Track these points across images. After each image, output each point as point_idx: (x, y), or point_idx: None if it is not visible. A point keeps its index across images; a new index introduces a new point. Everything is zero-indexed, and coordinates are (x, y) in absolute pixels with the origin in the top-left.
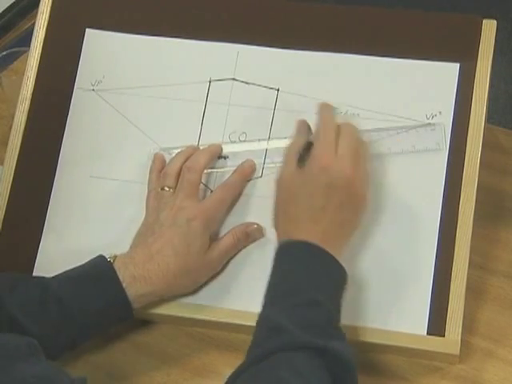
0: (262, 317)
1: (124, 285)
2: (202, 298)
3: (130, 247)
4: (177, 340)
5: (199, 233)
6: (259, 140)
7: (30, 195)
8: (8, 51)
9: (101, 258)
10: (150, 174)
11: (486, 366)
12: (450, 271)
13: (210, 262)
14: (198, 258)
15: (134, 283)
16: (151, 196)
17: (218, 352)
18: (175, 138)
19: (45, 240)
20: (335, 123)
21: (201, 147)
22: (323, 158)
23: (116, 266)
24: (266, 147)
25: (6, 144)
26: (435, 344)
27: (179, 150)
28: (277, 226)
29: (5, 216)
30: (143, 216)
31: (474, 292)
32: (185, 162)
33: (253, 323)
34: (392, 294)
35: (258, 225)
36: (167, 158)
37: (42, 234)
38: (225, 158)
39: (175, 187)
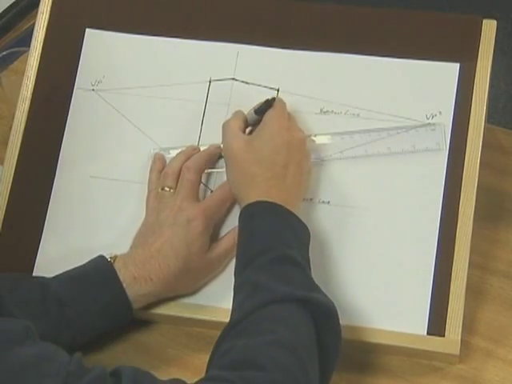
0: (240, 281)
1: (124, 285)
2: (201, 298)
3: (130, 247)
4: (177, 340)
5: (199, 233)
6: None
7: (30, 195)
8: (8, 51)
9: (101, 258)
10: (150, 174)
11: (486, 366)
12: (450, 271)
13: (211, 263)
14: (198, 258)
15: (135, 283)
16: (151, 196)
17: None
18: (175, 138)
19: (45, 240)
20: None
21: (201, 147)
22: (282, 118)
23: (116, 266)
24: None
25: (6, 144)
26: (435, 344)
27: (179, 150)
28: (238, 190)
29: (5, 216)
30: (143, 216)
31: (474, 292)
32: (185, 162)
33: None
34: (392, 294)
35: None
36: (167, 159)
37: (41, 234)
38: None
39: (175, 187)
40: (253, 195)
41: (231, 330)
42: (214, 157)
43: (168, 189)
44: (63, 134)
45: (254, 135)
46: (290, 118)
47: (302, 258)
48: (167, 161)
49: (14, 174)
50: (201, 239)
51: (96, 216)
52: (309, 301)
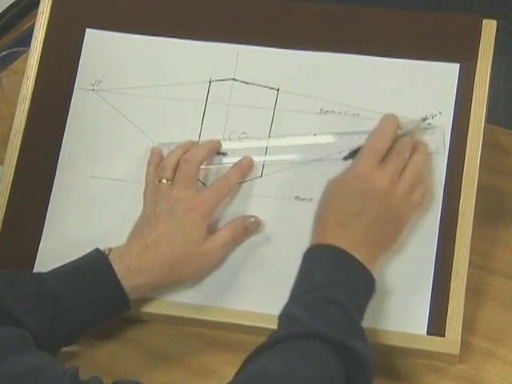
0: (282, 313)
1: (119, 276)
2: (201, 298)
3: (127, 239)
4: (177, 340)
5: (195, 223)
6: (258, 138)
7: (30, 195)
8: (8, 51)
9: (96, 251)
10: (147, 167)
11: (486, 366)
12: (450, 271)
13: (207, 254)
14: (195, 248)
15: (130, 274)
16: (149, 189)
17: (217, 352)
18: (175, 138)
19: (45, 240)
20: (390, 135)
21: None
22: (361, 166)
23: (111, 258)
24: (266, 145)
25: (6, 144)
26: (435, 344)
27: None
28: (312, 231)
29: (5, 216)
30: None
31: (474, 292)
32: (183, 155)
33: (253, 323)
34: (392, 294)
35: (255, 217)
36: (165, 153)
37: (41, 234)
38: (223, 154)
39: (173, 179)
40: (319, 237)
41: (257, 353)
42: (213, 151)
43: (165, 181)
44: (63, 134)
45: (341, 177)
46: (382, 166)
47: (350, 303)
48: (165, 155)
49: (14, 174)
50: (197, 230)
51: (96, 216)
52: (343, 346)
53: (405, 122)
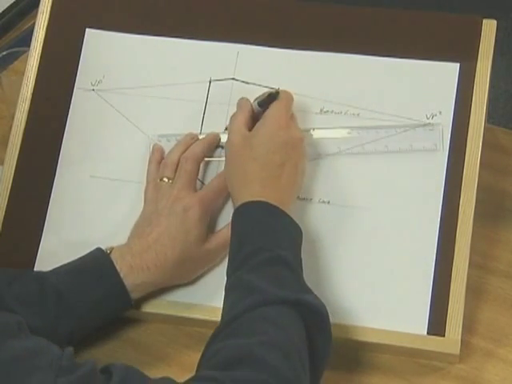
0: (231, 282)
1: (121, 275)
2: (201, 297)
3: (128, 238)
4: (177, 340)
5: (196, 222)
6: None
7: (30, 195)
8: (8, 51)
9: (98, 250)
10: (148, 165)
11: (486, 366)
12: (450, 271)
13: (208, 253)
14: (196, 247)
15: (132, 273)
16: (150, 187)
17: None
18: (175, 138)
19: (45, 240)
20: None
21: (200, 136)
22: (282, 117)
23: (113, 256)
24: None
25: (5, 144)
26: (435, 344)
27: (178, 139)
28: (232, 188)
29: (5, 216)
30: None
31: (474, 292)
32: (183, 152)
33: None
34: (392, 294)
35: None
36: (164, 145)
37: (42, 234)
38: (223, 147)
39: (174, 178)
40: (246, 194)
41: (221, 330)
42: (213, 145)
43: (166, 179)
44: (63, 134)
45: (253, 132)
46: (291, 116)
47: (294, 259)
48: (164, 146)
49: (14, 173)
50: (198, 228)
51: (96, 216)
52: (299, 303)
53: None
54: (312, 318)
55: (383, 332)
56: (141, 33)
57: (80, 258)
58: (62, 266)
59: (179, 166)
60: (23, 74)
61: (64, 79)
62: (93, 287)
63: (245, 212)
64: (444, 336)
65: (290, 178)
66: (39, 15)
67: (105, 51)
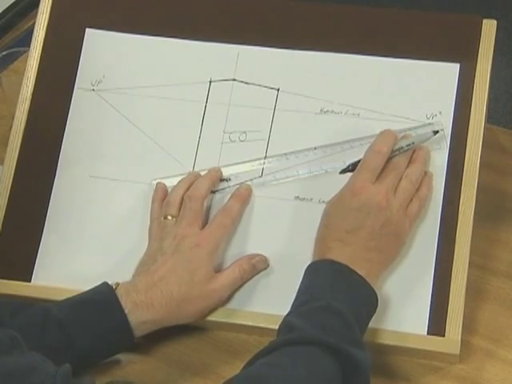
0: (280, 325)
1: (126, 311)
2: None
3: (133, 276)
4: (177, 340)
5: (202, 260)
6: (258, 159)
7: (30, 195)
8: (8, 51)
9: (104, 284)
10: (152, 204)
11: (486, 366)
12: (450, 271)
13: (214, 292)
14: (202, 286)
15: (136, 310)
16: (154, 225)
17: (217, 352)
18: (175, 138)
19: (45, 240)
20: (387, 151)
21: (202, 173)
22: (356, 182)
23: (118, 292)
24: (263, 166)
25: (5, 144)
26: (435, 344)
27: (180, 178)
28: (313, 250)
29: (5, 216)
30: (144, 216)
31: (474, 292)
32: (187, 190)
33: (253, 323)
34: (392, 293)
35: (260, 255)
36: (169, 188)
37: (42, 234)
38: (227, 180)
39: (178, 216)
40: (320, 253)
41: (256, 358)
42: (215, 182)
43: (171, 217)
44: (63, 134)
45: (338, 194)
46: (377, 182)
47: (350, 314)
48: (169, 190)
49: (14, 173)
50: (204, 267)
51: (96, 216)
52: (339, 350)
53: (411, 134)
54: (349, 369)
55: (383, 332)
56: (141, 33)
57: (85, 292)
58: (66, 299)
59: (183, 205)
60: (23, 74)
61: (64, 79)
62: (96, 321)
63: (310, 269)
64: (444, 336)
65: (364, 244)
66: (39, 15)
67: (105, 51)
